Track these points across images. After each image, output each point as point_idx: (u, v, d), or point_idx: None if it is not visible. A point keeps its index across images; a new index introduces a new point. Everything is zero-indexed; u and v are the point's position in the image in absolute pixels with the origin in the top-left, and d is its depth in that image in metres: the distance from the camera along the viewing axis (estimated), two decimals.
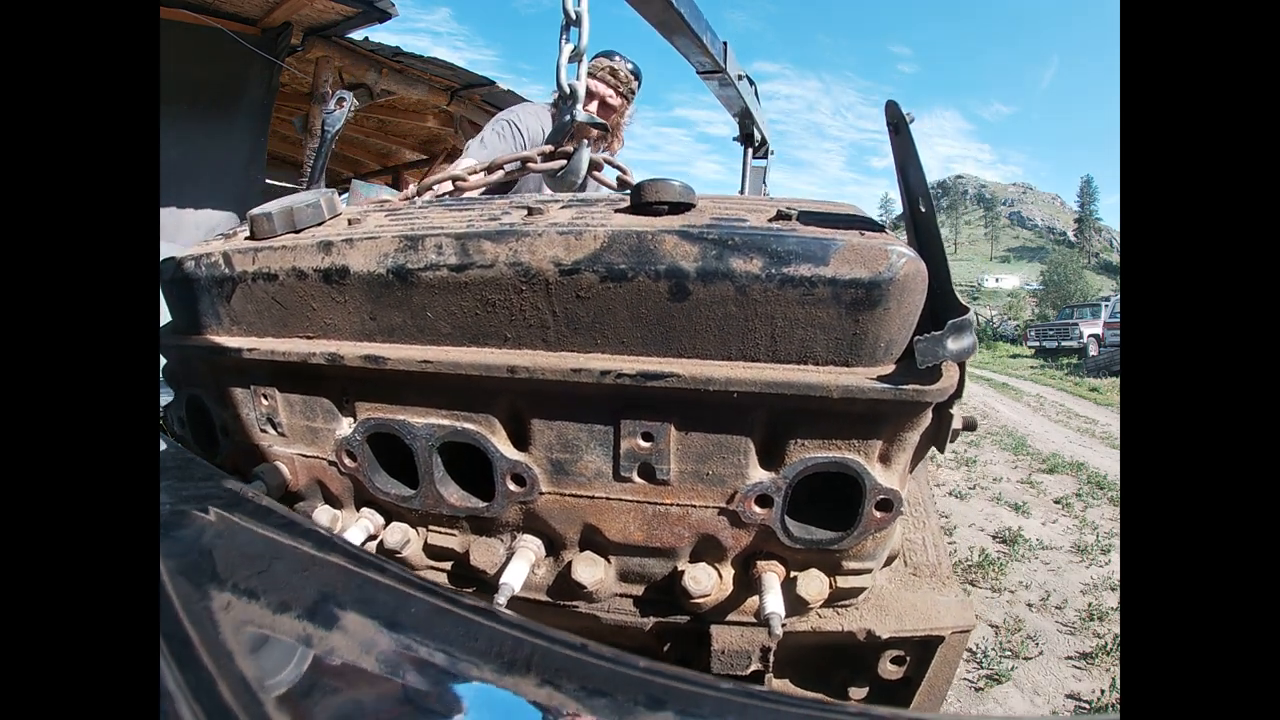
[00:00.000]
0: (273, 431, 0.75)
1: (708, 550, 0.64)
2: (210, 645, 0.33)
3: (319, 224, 0.74)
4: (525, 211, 0.64)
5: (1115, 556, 2.89)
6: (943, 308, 0.57)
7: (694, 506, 0.61)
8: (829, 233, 0.55)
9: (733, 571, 0.65)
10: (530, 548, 0.66)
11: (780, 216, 0.59)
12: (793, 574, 0.63)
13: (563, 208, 0.67)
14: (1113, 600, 2.44)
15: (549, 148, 1.01)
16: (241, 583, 0.43)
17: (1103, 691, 1.86)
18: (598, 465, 0.61)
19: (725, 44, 1.71)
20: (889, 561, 0.72)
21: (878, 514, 0.58)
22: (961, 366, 0.56)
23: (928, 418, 0.58)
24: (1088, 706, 1.81)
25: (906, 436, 0.58)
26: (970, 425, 0.67)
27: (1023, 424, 6.84)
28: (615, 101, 1.91)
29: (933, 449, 0.66)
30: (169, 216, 4.54)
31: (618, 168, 1.04)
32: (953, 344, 0.50)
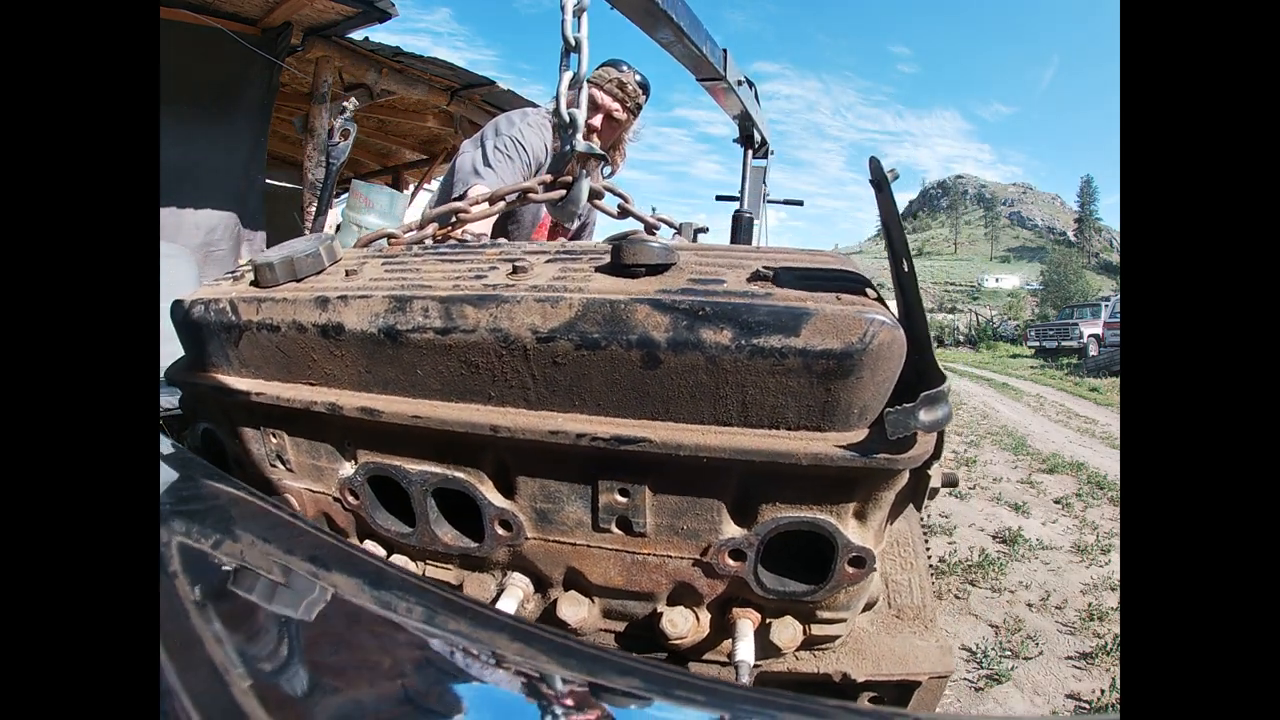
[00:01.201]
0: (281, 467, 0.78)
1: (685, 595, 0.65)
2: (210, 643, 0.33)
3: (319, 272, 0.77)
4: (510, 268, 0.66)
5: (1115, 556, 2.89)
6: (921, 373, 0.56)
7: (670, 557, 0.62)
8: (802, 300, 0.55)
9: (709, 615, 0.66)
10: (519, 585, 0.69)
11: (758, 277, 0.59)
12: (768, 620, 0.65)
13: (548, 261, 0.69)
14: (1113, 600, 2.44)
15: (549, 177, 1.01)
16: (240, 578, 0.43)
17: (1103, 691, 1.86)
18: (578, 516, 0.63)
19: (725, 51, 1.70)
20: (868, 607, 0.73)
21: (850, 570, 0.58)
22: (940, 431, 0.55)
23: (904, 479, 0.58)
24: (1088, 706, 1.81)
25: (882, 496, 0.58)
26: (951, 483, 0.67)
27: (1023, 424, 6.84)
28: (621, 116, 1.86)
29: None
30: (169, 216, 4.53)
31: (620, 195, 1.04)
32: (925, 415, 0.50)
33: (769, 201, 2.66)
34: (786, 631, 0.64)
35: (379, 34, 4.88)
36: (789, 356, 0.53)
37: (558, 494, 0.63)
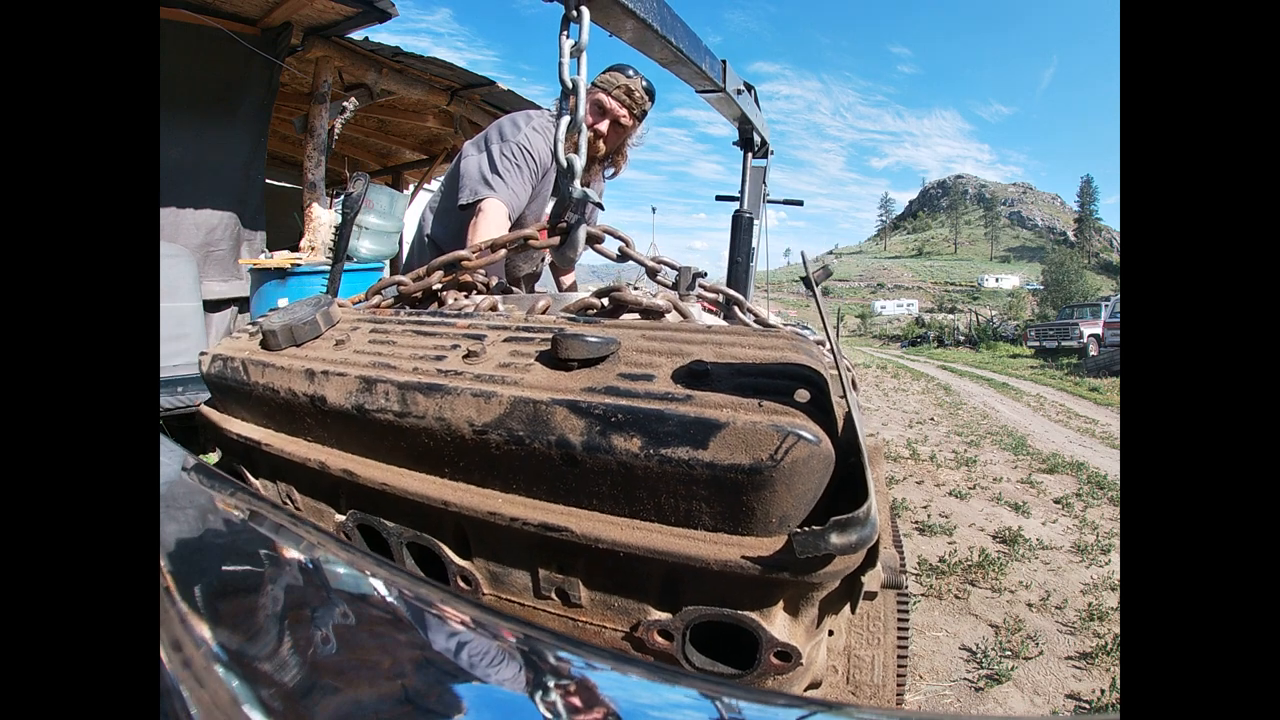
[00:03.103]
0: (290, 505, 0.88)
1: None
2: (210, 642, 0.33)
3: (316, 337, 0.87)
4: (465, 351, 0.72)
5: (1115, 556, 2.89)
6: (845, 488, 0.55)
7: (606, 627, 0.64)
8: (718, 408, 0.54)
9: None
10: None
11: (689, 374, 0.59)
12: None
13: (505, 340, 0.74)
14: (1113, 600, 2.44)
15: (547, 225, 1.04)
16: (240, 578, 0.43)
17: (1103, 691, 1.86)
18: (524, 582, 0.66)
19: (724, 63, 1.69)
20: (812, 686, 0.71)
21: (776, 661, 0.56)
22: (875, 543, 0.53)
23: (831, 585, 0.57)
24: (1088, 706, 1.81)
25: (811, 596, 0.57)
26: (894, 585, 0.64)
27: (1023, 424, 6.84)
28: (627, 122, 1.87)
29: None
30: (169, 216, 4.53)
31: (620, 238, 1.04)
32: (836, 539, 0.48)
33: (769, 202, 2.66)
34: None
35: (379, 34, 4.88)
36: (696, 468, 0.52)
37: (505, 562, 0.67)
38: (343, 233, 1.23)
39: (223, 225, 4.85)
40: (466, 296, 1.05)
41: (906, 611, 0.89)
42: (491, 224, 1.70)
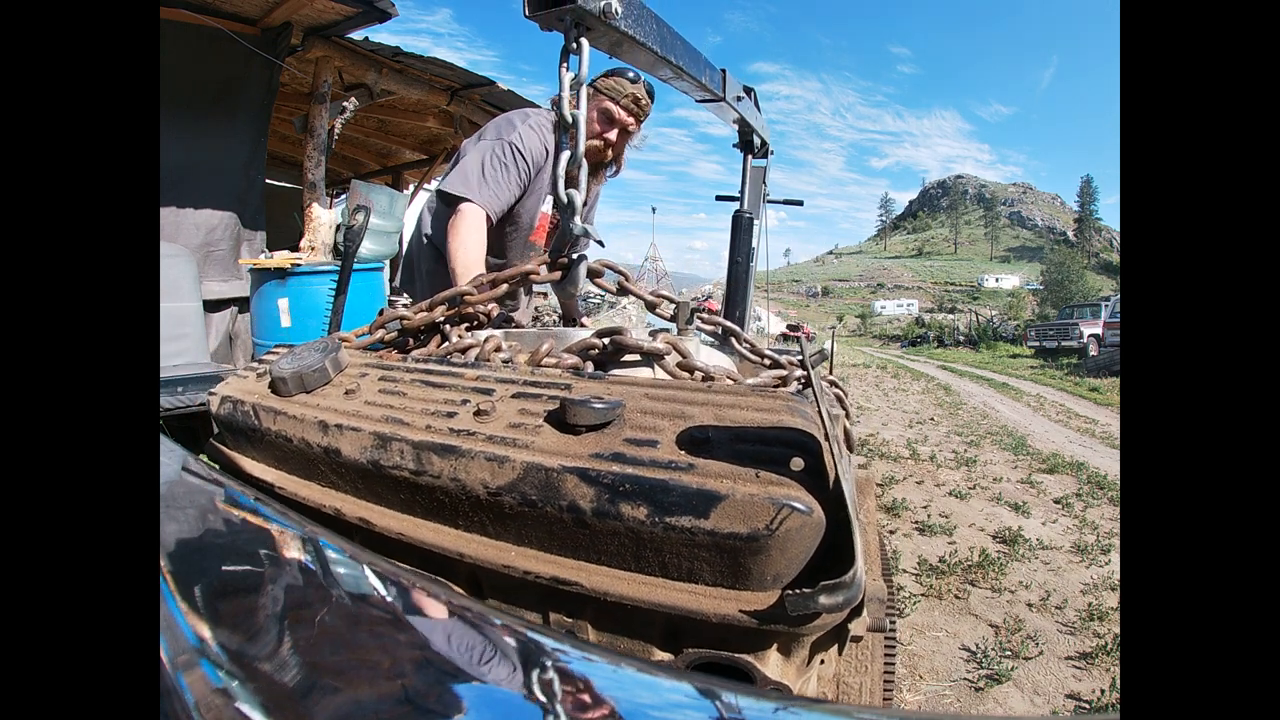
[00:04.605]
0: None
1: None
2: (209, 642, 0.33)
3: (326, 384, 0.89)
4: (475, 409, 0.75)
5: (1115, 556, 2.89)
6: (834, 554, 0.59)
7: None
8: (720, 478, 0.59)
9: None
10: None
11: (691, 441, 0.64)
12: None
13: (514, 396, 0.77)
14: (1113, 600, 2.44)
15: (548, 259, 1.06)
16: (240, 578, 0.43)
17: (1103, 691, 1.86)
18: (535, 623, 0.70)
19: (724, 72, 1.69)
20: None
21: None
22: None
23: (822, 632, 0.61)
24: (1088, 706, 1.81)
25: (802, 640, 0.62)
26: (878, 628, 0.69)
27: (1023, 424, 6.84)
28: (634, 129, 1.90)
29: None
30: (169, 216, 4.53)
31: (619, 273, 1.06)
32: (825, 599, 0.53)
33: (769, 202, 2.66)
34: None
35: (379, 34, 4.88)
36: (698, 535, 0.58)
37: (517, 604, 0.71)
38: (344, 266, 1.23)
39: (223, 225, 4.84)
40: (468, 329, 1.07)
41: (894, 637, 0.92)
42: (467, 229, 1.75)
